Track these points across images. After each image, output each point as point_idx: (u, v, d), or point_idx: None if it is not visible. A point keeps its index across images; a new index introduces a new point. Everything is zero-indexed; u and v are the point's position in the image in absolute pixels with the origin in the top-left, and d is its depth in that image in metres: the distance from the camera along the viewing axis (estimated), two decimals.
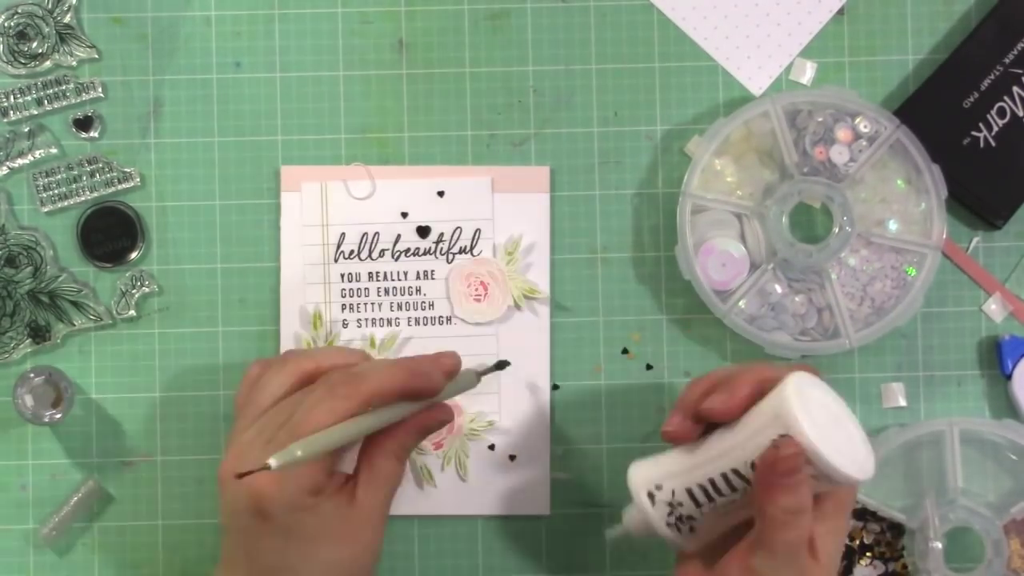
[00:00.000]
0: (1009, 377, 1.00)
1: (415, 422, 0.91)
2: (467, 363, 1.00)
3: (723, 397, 0.86)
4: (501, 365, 0.98)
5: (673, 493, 0.87)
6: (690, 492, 0.87)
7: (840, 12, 1.02)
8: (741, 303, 0.99)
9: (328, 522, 0.89)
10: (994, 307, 1.01)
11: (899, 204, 0.99)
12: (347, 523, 0.90)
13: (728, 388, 0.87)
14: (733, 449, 0.85)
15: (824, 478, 0.83)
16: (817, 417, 0.83)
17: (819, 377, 0.87)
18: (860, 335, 0.98)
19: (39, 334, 1.01)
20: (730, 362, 1.01)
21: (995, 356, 1.01)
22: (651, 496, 0.88)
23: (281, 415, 0.89)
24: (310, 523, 0.88)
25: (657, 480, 0.88)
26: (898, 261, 0.99)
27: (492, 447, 1.01)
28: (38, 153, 1.02)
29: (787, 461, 0.82)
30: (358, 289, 1.01)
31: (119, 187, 1.01)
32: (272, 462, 0.81)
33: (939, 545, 0.96)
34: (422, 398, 0.90)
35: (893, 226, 0.99)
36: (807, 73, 1.02)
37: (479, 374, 0.95)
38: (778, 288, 0.99)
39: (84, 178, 1.01)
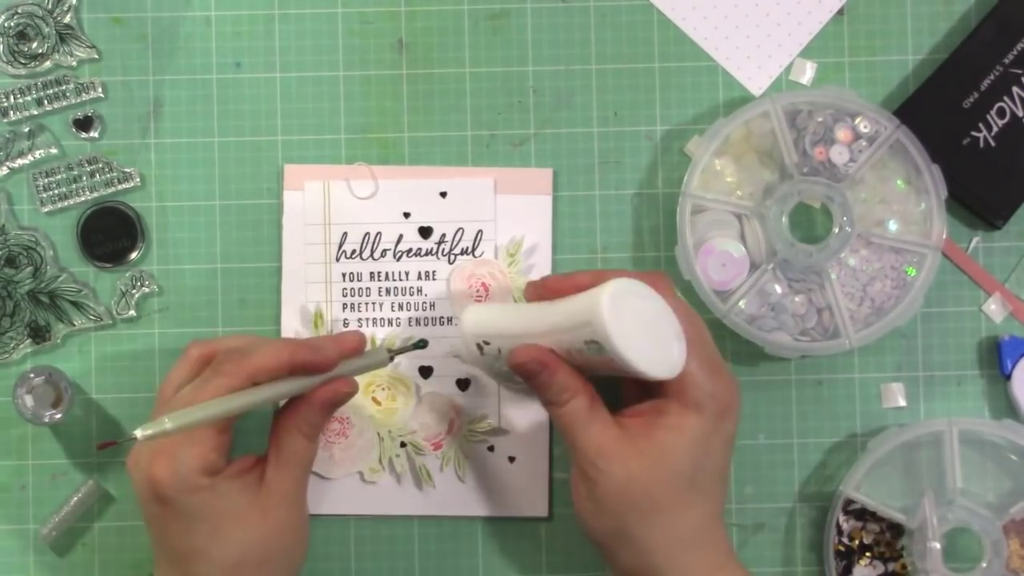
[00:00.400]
0: (1008, 377, 1.00)
1: (316, 396, 0.91)
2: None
3: (560, 277, 0.93)
4: (420, 344, 0.98)
5: (499, 351, 0.92)
6: (513, 371, 0.92)
7: (840, 12, 1.02)
8: (741, 303, 0.99)
9: (233, 503, 0.90)
10: (994, 307, 1.01)
11: (899, 204, 0.99)
12: (255, 503, 0.91)
13: (571, 274, 0.94)
14: (548, 333, 0.90)
15: (635, 375, 0.88)
16: (629, 325, 0.87)
17: (640, 283, 0.90)
18: (860, 335, 0.98)
19: (39, 334, 1.01)
20: (743, 363, 1.01)
21: (995, 356, 1.01)
22: (480, 348, 0.93)
23: (177, 403, 0.89)
24: (213, 504, 0.89)
25: (487, 336, 0.93)
26: (898, 261, 0.99)
27: (491, 448, 1.01)
28: (38, 153, 1.01)
29: (522, 368, 0.90)
30: (359, 289, 1.01)
31: (119, 187, 1.01)
32: (138, 433, 0.83)
33: (938, 545, 0.97)
34: (314, 373, 0.91)
35: (893, 226, 0.99)
36: (807, 73, 1.02)
37: (392, 352, 0.96)
38: (778, 288, 0.99)
39: (84, 178, 1.01)
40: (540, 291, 0.94)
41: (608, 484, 0.88)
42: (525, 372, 0.90)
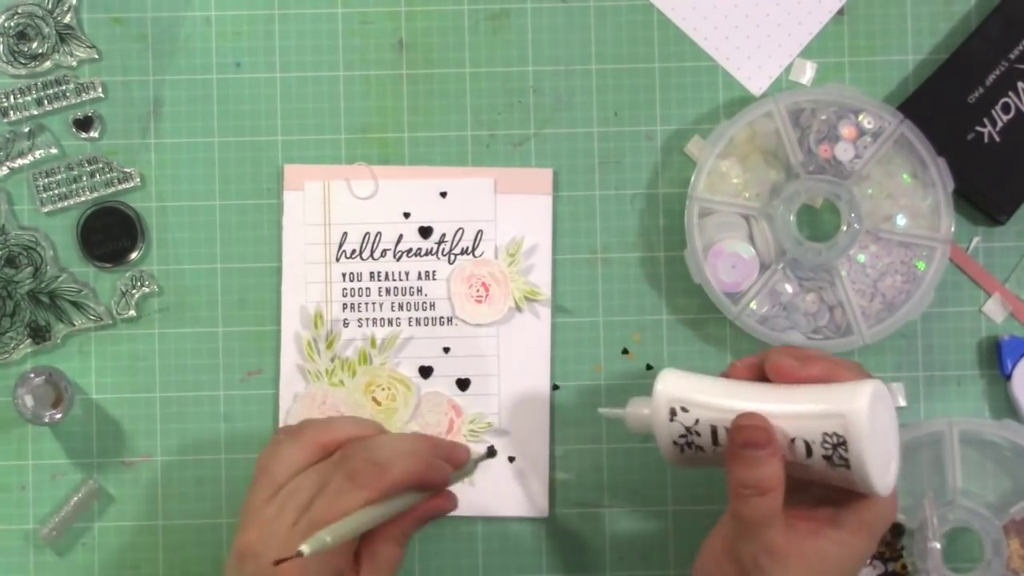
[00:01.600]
0: (1009, 377, 1.00)
1: (422, 510, 0.92)
2: (467, 363, 1.01)
3: (792, 363, 0.86)
4: (491, 453, 0.99)
5: (697, 422, 0.86)
6: (714, 430, 0.86)
7: (840, 12, 1.02)
8: (752, 304, 0.99)
9: None
10: (994, 307, 1.01)
11: (906, 199, 0.99)
12: None
13: (803, 358, 0.87)
14: (779, 416, 0.84)
15: (852, 485, 0.83)
16: (876, 427, 0.83)
17: (886, 388, 0.86)
18: (873, 331, 0.98)
19: (39, 334, 1.01)
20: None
21: (995, 356, 1.01)
22: (672, 412, 0.87)
23: (302, 494, 0.89)
24: None
25: (687, 402, 0.87)
26: (907, 256, 0.99)
27: (492, 448, 1.01)
28: (38, 153, 1.01)
29: (747, 432, 0.84)
30: (359, 289, 1.01)
31: (119, 187, 1.01)
32: (305, 549, 0.82)
33: (938, 545, 0.97)
34: (434, 489, 0.92)
35: (901, 221, 0.99)
36: (807, 73, 1.02)
37: (475, 460, 0.95)
38: (789, 288, 0.99)
39: (84, 178, 1.01)
40: (759, 371, 0.88)
41: None
42: (747, 440, 0.84)
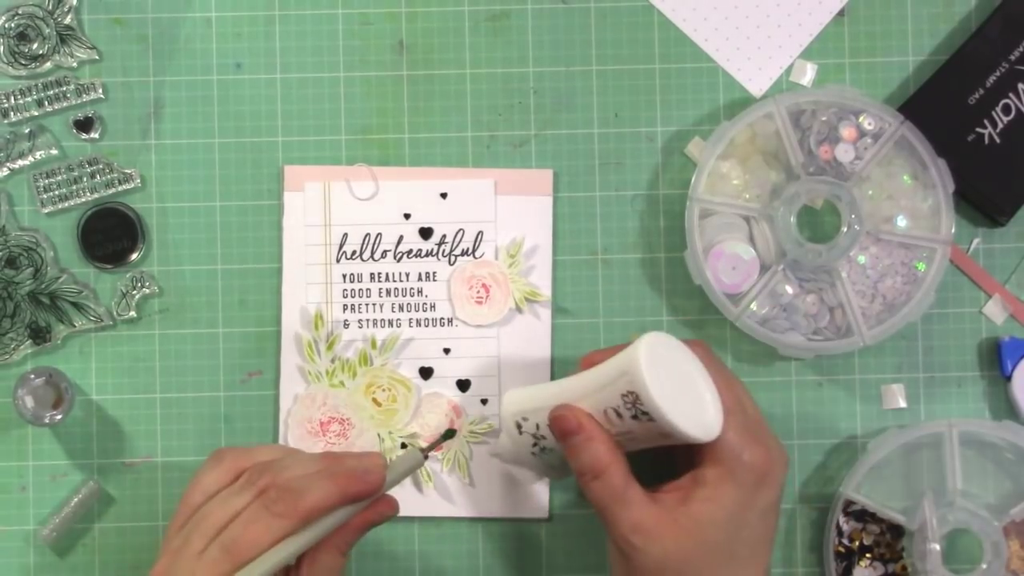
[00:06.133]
0: (1009, 379, 1.00)
1: (361, 520, 0.89)
2: (467, 364, 1.00)
3: (603, 350, 0.92)
4: (448, 435, 0.98)
5: (538, 427, 0.92)
6: (551, 427, 0.91)
7: (840, 13, 1.02)
8: (753, 305, 0.99)
9: None
10: (994, 308, 1.01)
11: (906, 200, 0.99)
12: None
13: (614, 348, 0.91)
14: (587, 395, 0.89)
15: (670, 435, 0.87)
16: (664, 377, 0.87)
17: (677, 340, 0.90)
18: (873, 332, 0.98)
19: (39, 335, 1.01)
20: (743, 363, 1.01)
21: (995, 358, 1.01)
22: (519, 426, 0.92)
23: (210, 520, 0.87)
24: None
25: (524, 412, 0.92)
26: (907, 257, 0.99)
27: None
28: (38, 154, 1.01)
29: (558, 423, 0.89)
30: (360, 290, 1.01)
31: (119, 188, 1.01)
32: None
33: (938, 547, 0.97)
34: (366, 498, 0.89)
35: (901, 222, 0.99)
36: (807, 74, 1.02)
37: (425, 450, 0.93)
38: (789, 289, 0.99)
39: (84, 179, 1.01)
40: (583, 366, 0.93)
41: (644, 560, 0.88)
42: (561, 429, 0.89)
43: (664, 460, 0.94)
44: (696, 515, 0.88)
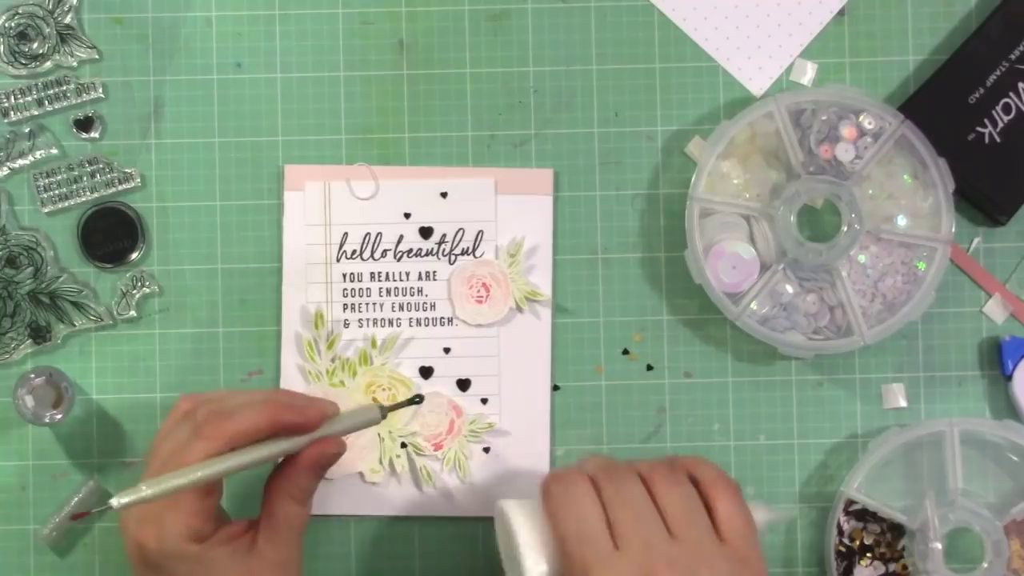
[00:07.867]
0: (1009, 378, 1.00)
1: (303, 459, 0.89)
2: (468, 363, 1.00)
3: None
4: (415, 400, 0.97)
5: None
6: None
7: (841, 13, 1.02)
8: (753, 305, 0.99)
9: (223, 570, 0.87)
10: (994, 308, 1.01)
11: (907, 199, 0.99)
12: (246, 570, 0.88)
13: None
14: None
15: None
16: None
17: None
18: (873, 331, 0.98)
19: (40, 334, 1.01)
20: (744, 363, 1.01)
21: (996, 357, 1.01)
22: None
23: (157, 454, 0.88)
24: (200, 572, 0.87)
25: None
26: (908, 256, 0.99)
27: (490, 449, 1.01)
28: (39, 153, 1.01)
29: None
30: (360, 289, 1.01)
31: (120, 187, 1.01)
32: (114, 502, 0.81)
33: (939, 546, 0.97)
34: (297, 433, 0.89)
35: (902, 221, 0.99)
36: (807, 74, 1.02)
37: (386, 408, 0.93)
38: (789, 288, 0.99)
39: (85, 179, 1.01)
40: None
41: None
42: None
43: None
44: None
